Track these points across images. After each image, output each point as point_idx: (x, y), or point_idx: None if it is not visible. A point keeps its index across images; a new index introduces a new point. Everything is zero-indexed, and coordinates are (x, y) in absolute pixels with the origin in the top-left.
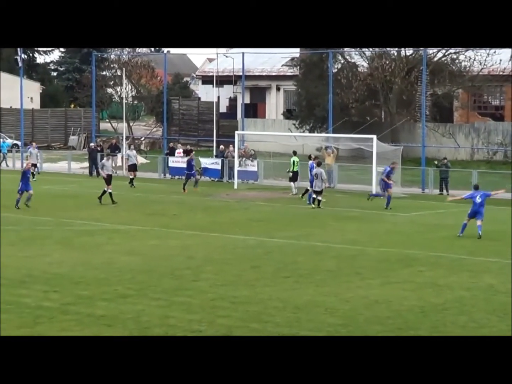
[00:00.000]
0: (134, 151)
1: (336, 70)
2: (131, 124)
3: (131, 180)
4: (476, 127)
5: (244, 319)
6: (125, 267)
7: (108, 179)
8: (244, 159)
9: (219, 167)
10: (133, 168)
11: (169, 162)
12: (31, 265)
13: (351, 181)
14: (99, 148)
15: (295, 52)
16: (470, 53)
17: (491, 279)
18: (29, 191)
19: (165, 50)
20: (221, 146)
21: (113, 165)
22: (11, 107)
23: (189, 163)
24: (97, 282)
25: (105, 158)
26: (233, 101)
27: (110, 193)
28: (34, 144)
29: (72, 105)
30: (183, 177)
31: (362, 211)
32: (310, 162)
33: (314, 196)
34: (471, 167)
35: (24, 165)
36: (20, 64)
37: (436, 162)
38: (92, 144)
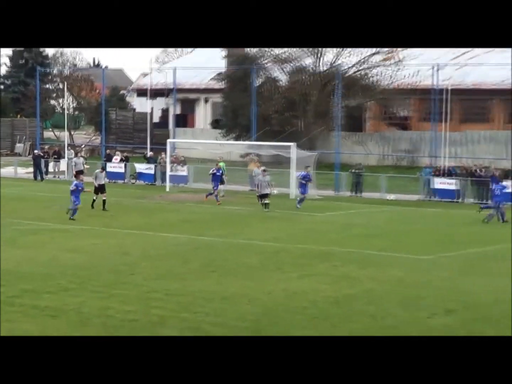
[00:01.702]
0: (82, 159)
1: (258, 84)
2: (72, 133)
3: None
4: (385, 135)
5: (176, 310)
6: (68, 264)
7: (101, 188)
8: (175, 164)
9: (152, 171)
10: (80, 174)
11: (107, 167)
12: None
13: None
14: (43, 154)
15: (221, 68)
16: (381, 68)
17: (398, 272)
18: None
19: (103, 65)
20: (150, 153)
21: (57, 170)
22: None
23: (214, 174)
24: (41, 277)
25: (98, 170)
26: (165, 112)
27: (104, 200)
28: None
29: (18, 116)
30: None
31: (283, 211)
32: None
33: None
34: (380, 171)
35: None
36: None
37: (353, 170)
38: (36, 151)
